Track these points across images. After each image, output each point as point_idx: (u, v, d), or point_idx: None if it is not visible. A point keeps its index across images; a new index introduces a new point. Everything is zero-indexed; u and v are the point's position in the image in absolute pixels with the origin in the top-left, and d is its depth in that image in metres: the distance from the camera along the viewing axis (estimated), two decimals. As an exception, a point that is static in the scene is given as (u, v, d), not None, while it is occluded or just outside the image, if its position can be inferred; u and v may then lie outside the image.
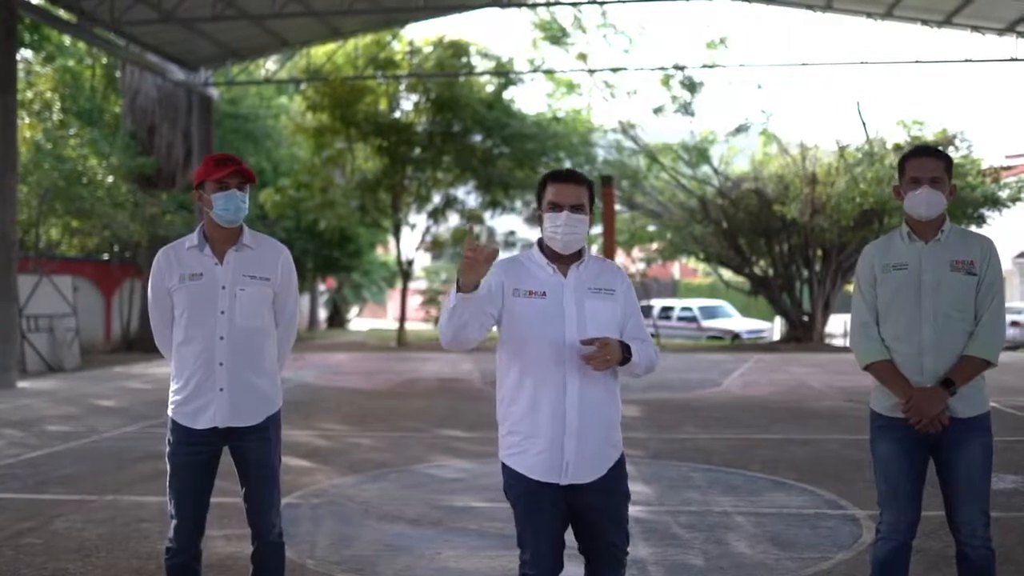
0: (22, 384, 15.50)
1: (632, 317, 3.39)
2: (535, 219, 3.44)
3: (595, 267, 3.38)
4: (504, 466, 3.34)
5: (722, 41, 25.02)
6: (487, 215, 27.94)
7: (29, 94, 24.49)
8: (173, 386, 3.75)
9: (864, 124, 24.73)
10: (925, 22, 20.90)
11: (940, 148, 3.85)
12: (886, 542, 3.61)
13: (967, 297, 3.56)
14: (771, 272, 26.62)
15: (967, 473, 3.54)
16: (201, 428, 3.68)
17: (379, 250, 37.98)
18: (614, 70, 25.34)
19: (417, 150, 25.83)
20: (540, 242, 3.39)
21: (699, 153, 26.41)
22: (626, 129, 27.03)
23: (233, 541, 5.53)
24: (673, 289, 39.11)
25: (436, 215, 27.52)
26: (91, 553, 5.49)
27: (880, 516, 3.69)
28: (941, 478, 3.63)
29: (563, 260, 3.34)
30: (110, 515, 6.39)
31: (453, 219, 28.37)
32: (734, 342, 27.27)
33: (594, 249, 31.35)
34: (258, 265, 3.74)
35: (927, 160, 3.64)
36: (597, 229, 27.94)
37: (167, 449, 3.76)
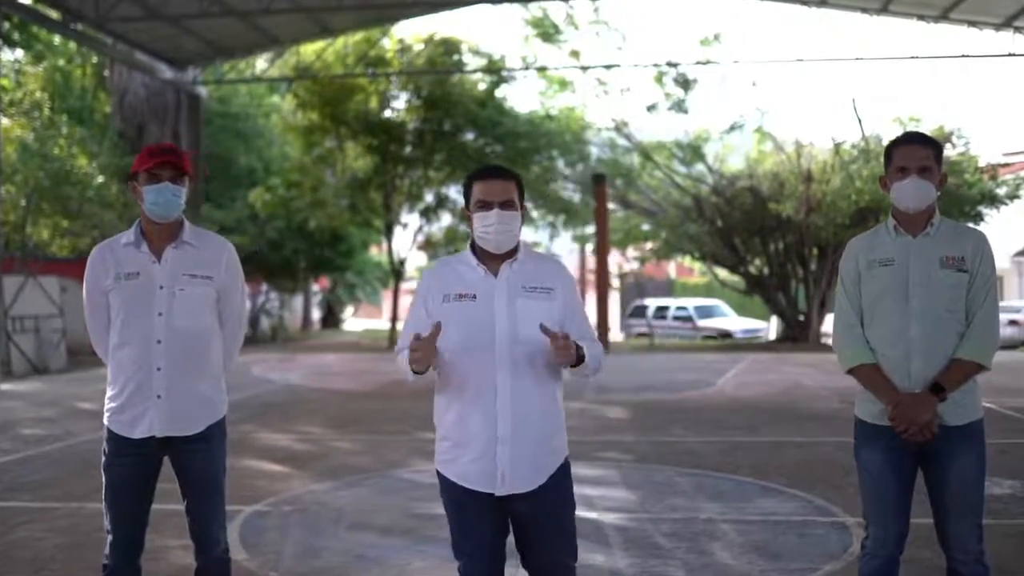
0: (5, 386, 15.28)
1: (574, 317, 3.19)
2: (467, 221, 3.25)
3: (531, 264, 3.20)
4: (438, 473, 3.21)
5: (716, 38, 24.85)
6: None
7: (19, 93, 24.27)
8: (109, 392, 3.51)
9: (860, 121, 24.56)
10: (921, 17, 20.69)
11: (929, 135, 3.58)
12: (872, 558, 3.36)
13: (958, 295, 3.30)
14: (766, 271, 26.41)
15: (959, 485, 3.28)
16: (138, 437, 3.44)
17: (373, 250, 37.73)
18: (607, 67, 25.11)
19: (408, 149, 25.58)
20: (473, 243, 3.22)
21: (693, 151, 26.19)
22: (619, 127, 26.81)
23: (192, 552, 5.28)
24: (669, 288, 38.87)
25: (428, 214, 27.27)
26: (45, 564, 5.27)
27: (866, 530, 3.44)
28: (930, 489, 3.37)
29: (495, 259, 3.16)
30: (72, 524, 6.16)
31: (446, 218, 28.13)
32: (723, 340, 27.05)
33: (588, 249, 31.35)
34: (199, 263, 3.49)
35: (915, 147, 3.36)
36: (591, 228, 27.87)
37: (102, 460, 3.52)
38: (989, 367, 3.29)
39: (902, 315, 3.32)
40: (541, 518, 3.14)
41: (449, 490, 3.17)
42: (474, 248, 3.21)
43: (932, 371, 3.28)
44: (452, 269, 3.22)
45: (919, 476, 3.41)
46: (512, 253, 3.17)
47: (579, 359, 3.04)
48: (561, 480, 3.17)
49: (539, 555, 3.18)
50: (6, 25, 21.52)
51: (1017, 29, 20.23)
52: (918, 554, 4.85)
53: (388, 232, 27.02)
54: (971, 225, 3.93)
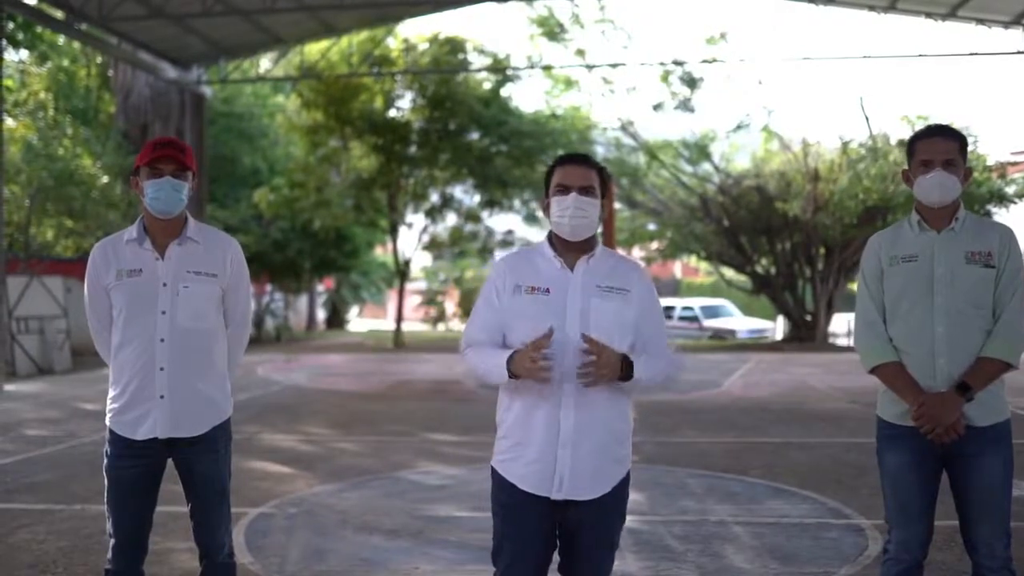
0: (9, 387, 15.19)
1: (650, 322, 3.04)
2: (544, 210, 3.15)
3: (609, 262, 3.07)
4: (493, 471, 3.07)
5: (722, 36, 24.69)
6: (485, 214, 27.61)
7: (23, 94, 24.23)
8: (111, 393, 3.41)
9: (867, 119, 24.42)
10: (929, 15, 20.54)
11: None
12: (895, 563, 3.26)
13: (984, 292, 3.19)
14: (773, 271, 26.28)
15: (985, 488, 3.19)
16: (141, 439, 3.34)
17: (378, 250, 37.65)
18: (613, 66, 24.96)
19: (413, 148, 25.50)
20: (550, 235, 3.11)
21: (699, 150, 26.07)
22: (625, 126, 26.69)
23: (197, 556, 5.19)
24: (675, 288, 38.76)
25: (434, 214, 27.19)
26: (47, 568, 5.19)
27: (888, 534, 3.34)
28: (955, 492, 3.27)
29: (572, 253, 3.04)
30: (75, 526, 6.08)
31: (451, 218, 28.05)
32: (722, 340, 26.93)
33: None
34: (204, 260, 3.39)
35: (940, 140, 3.27)
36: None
37: (105, 462, 3.43)
38: (1017, 366, 3.20)
39: (926, 312, 3.22)
40: (595, 529, 3.01)
41: (504, 491, 3.02)
42: (551, 241, 3.10)
43: (957, 370, 3.18)
44: (527, 260, 3.10)
45: (943, 478, 3.31)
46: (590, 248, 3.05)
47: (628, 375, 2.88)
48: (621, 493, 3.05)
49: (581, 566, 3.06)
50: (10, 25, 21.48)
51: (1026, 27, 20.09)
52: (939, 556, 4.77)
53: (393, 232, 26.95)
54: (997, 220, 3.80)
